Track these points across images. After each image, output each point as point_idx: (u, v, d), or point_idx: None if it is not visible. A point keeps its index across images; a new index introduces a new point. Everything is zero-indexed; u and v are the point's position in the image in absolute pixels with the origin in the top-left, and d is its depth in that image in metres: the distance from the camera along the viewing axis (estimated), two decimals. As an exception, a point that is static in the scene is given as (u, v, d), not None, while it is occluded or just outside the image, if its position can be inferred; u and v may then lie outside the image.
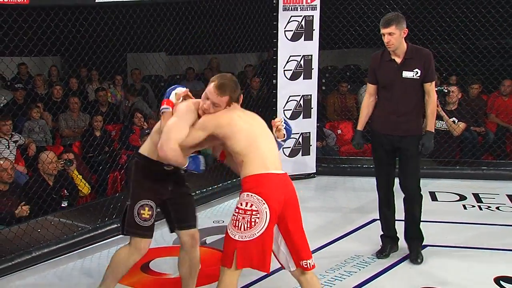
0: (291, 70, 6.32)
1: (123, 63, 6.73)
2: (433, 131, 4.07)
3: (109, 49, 5.43)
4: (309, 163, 6.58)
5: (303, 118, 6.42)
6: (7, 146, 6.14)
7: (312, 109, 6.45)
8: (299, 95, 6.38)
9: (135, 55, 9.22)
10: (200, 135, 2.97)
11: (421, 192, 4.18)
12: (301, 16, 6.22)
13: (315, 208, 5.59)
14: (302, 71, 6.34)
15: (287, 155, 6.47)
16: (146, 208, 3.18)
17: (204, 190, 5.73)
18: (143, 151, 3.25)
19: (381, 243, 4.34)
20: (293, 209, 2.95)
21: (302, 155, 6.53)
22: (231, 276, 2.88)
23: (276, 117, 6.30)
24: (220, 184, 5.92)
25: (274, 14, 6.20)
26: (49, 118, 7.17)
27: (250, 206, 2.81)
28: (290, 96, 6.36)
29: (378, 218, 4.39)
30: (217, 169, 6.30)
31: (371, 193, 4.19)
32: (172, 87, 3.22)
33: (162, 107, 3.12)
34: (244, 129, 2.96)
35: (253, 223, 2.79)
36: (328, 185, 6.33)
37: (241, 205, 2.84)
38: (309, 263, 2.96)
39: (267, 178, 2.86)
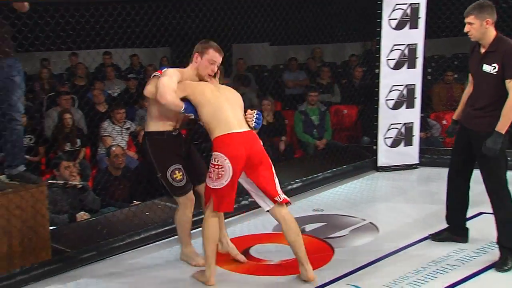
0: (394, 59, 6.13)
1: (228, 53, 6.81)
2: (502, 133, 3.65)
3: (216, 39, 5.51)
4: (411, 153, 6.37)
5: (406, 108, 6.22)
6: (120, 133, 6.44)
7: (415, 99, 6.23)
8: (403, 85, 6.18)
9: (240, 46, 9.35)
10: (179, 94, 3.48)
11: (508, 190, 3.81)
12: (407, 4, 6.00)
13: (416, 200, 5.42)
14: (406, 60, 6.13)
15: (389, 145, 6.31)
16: (176, 172, 3.67)
17: (304, 179, 5.70)
18: (149, 129, 3.69)
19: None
20: (257, 159, 3.46)
21: (404, 146, 6.34)
22: (213, 216, 3.55)
23: (378, 107, 6.17)
24: (320, 174, 5.87)
25: (378, 2, 6.04)
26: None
27: (217, 162, 3.40)
28: (393, 86, 6.18)
29: (485, 211, 4.16)
30: (317, 157, 6.26)
31: (478, 186, 3.97)
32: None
33: (154, 73, 3.64)
34: (211, 101, 3.48)
35: (220, 175, 3.40)
36: (430, 177, 6.10)
37: (213, 161, 3.43)
38: (279, 197, 3.53)
39: (229, 138, 3.41)
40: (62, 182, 4.87)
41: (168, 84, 3.45)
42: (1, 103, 3.74)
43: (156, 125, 3.67)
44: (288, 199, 3.63)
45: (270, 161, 3.57)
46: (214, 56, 3.61)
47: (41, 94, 7.70)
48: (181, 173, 3.66)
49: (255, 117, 3.54)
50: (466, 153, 4.00)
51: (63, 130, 6.19)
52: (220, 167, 3.39)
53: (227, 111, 3.47)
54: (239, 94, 3.68)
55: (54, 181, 4.84)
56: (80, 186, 4.94)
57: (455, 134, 4.15)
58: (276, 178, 3.59)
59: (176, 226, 3.94)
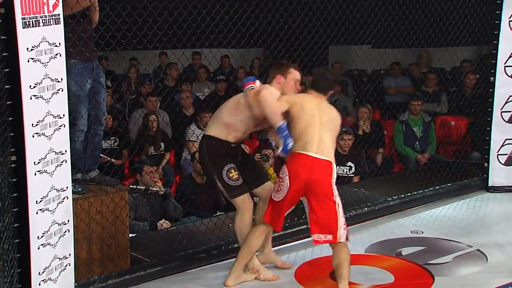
0: (514, 66, 5.88)
1: (322, 56, 6.81)
2: None
3: (311, 41, 5.54)
4: (529, 173, 6.08)
5: (523, 122, 5.95)
6: (205, 138, 6.56)
7: (536, 112, 5.94)
8: (522, 95, 5.92)
9: (338, 48, 9.30)
10: (284, 106, 3.72)
11: None
12: (532, 2, 5.75)
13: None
14: (527, 67, 5.87)
15: (503, 163, 6.05)
16: (232, 171, 3.86)
17: (403, 196, 5.57)
18: (210, 133, 3.90)
19: None
20: (314, 188, 3.62)
21: (520, 164, 6.06)
22: (263, 225, 3.85)
23: (492, 119, 5.94)
24: (421, 191, 5.72)
25: (498, 1, 5.81)
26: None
27: (281, 174, 3.68)
28: (510, 96, 5.92)
29: None
30: (419, 173, 6.09)
31: None
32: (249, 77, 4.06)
33: (248, 86, 3.92)
34: (305, 118, 3.69)
35: (279, 188, 3.67)
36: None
37: (280, 173, 3.72)
38: (320, 237, 3.65)
39: (298, 157, 3.64)
40: (143, 187, 5.03)
41: (275, 94, 3.78)
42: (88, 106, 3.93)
43: (220, 132, 3.89)
44: (347, 238, 3.69)
45: (334, 197, 3.63)
46: (297, 75, 3.92)
47: (127, 95, 8.02)
48: (236, 172, 3.86)
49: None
50: None
51: (147, 133, 6.38)
52: (281, 180, 3.68)
53: (315, 133, 3.67)
54: (338, 119, 3.84)
55: (135, 186, 5.01)
56: (161, 192, 5.09)
57: None
58: (340, 214, 3.65)
59: (237, 234, 4.03)
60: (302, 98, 3.80)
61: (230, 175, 3.86)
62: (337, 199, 3.65)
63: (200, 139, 4.08)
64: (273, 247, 4.32)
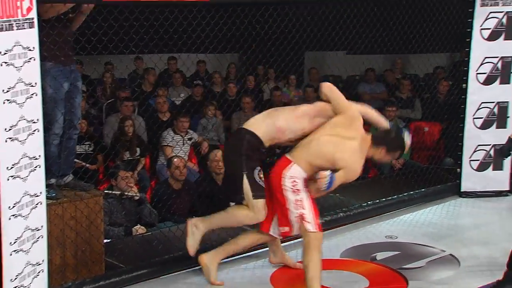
0: (485, 73, 5.94)
1: (298, 62, 6.84)
2: None
3: (287, 47, 5.55)
4: (501, 179, 6.14)
5: (496, 128, 6.01)
6: (181, 143, 6.56)
7: (508, 118, 6.01)
8: (493, 102, 5.98)
9: (313, 54, 9.35)
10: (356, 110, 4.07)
11: None
12: (503, 12, 5.82)
13: (505, 232, 5.18)
14: (498, 74, 5.93)
15: (475, 168, 6.11)
16: (261, 173, 3.90)
17: (377, 201, 5.60)
18: (257, 132, 3.89)
19: None
20: (270, 183, 3.89)
21: (493, 170, 6.11)
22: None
23: (464, 125, 6.01)
24: (395, 196, 5.76)
25: (470, 10, 5.89)
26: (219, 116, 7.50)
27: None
28: (482, 103, 6.00)
29: None
30: (393, 178, 6.14)
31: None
32: None
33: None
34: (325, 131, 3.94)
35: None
36: (523, 206, 5.88)
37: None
38: (281, 229, 3.97)
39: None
40: (119, 193, 4.99)
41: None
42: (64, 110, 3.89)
43: (267, 133, 3.91)
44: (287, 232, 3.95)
45: (284, 191, 3.79)
46: (396, 157, 4.07)
47: (102, 99, 7.96)
48: (262, 175, 3.91)
49: (327, 180, 3.67)
50: None
51: (123, 138, 6.34)
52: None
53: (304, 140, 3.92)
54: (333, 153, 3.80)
55: (110, 192, 4.96)
56: (137, 197, 5.05)
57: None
58: (291, 208, 3.81)
59: (223, 213, 4.07)
60: (356, 125, 3.91)
61: (260, 175, 3.89)
62: (288, 194, 3.77)
63: (236, 131, 4.02)
64: (252, 251, 4.33)
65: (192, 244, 4.02)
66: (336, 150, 3.77)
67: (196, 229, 3.99)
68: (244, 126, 3.98)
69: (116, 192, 4.99)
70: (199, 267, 4.33)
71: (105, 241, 4.16)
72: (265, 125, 3.93)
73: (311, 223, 3.78)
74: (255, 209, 3.87)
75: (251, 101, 7.59)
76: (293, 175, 3.77)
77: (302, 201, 3.79)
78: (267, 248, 4.45)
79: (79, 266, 3.91)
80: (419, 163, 7.23)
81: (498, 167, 6.11)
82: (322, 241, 3.81)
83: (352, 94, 8.59)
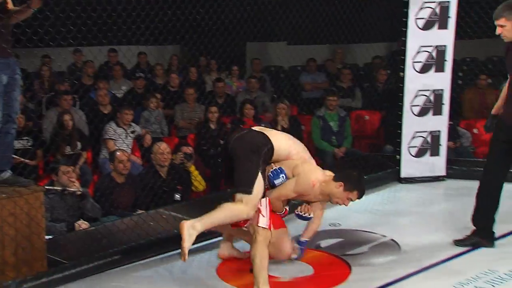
0: (421, 62, 6.09)
1: (240, 53, 6.84)
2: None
3: (229, 37, 5.54)
4: (438, 164, 6.32)
5: (433, 115, 6.18)
6: (124, 136, 6.46)
7: (443, 105, 6.18)
8: (429, 90, 6.14)
9: (255, 44, 9.35)
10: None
11: None
12: (436, 2, 5.97)
13: (442, 215, 5.37)
14: (433, 63, 6.09)
15: (414, 155, 6.26)
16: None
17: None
18: (277, 144, 3.92)
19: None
20: None
21: (430, 156, 6.29)
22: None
23: (402, 113, 6.15)
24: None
25: (405, 0, 6.01)
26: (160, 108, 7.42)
27: None
28: (418, 91, 6.14)
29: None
30: (336, 167, 6.22)
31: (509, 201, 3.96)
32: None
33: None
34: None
35: None
36: (459, 190, 6.04)
37: None
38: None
39: None
40: (60, 188, 4.88)
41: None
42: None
43: (282, 149, 3.97)
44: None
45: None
46: (354, 198, 4.04)
47: (40, 93, 7.75)
48: None
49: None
50: (504, 151, 4.22)
51: (63, 132, 6.20)
52: None
53: None
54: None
55: (51, 187, 4.85)
56: (79, 192, 4.95)
57: (493, 130, 4.36)
58: None
59: (226, 215, 3.83)
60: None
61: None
62: None
63: (259, 132, 3.93)
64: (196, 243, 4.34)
65: (188, 246, 3.62)
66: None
67: (193, 231, 3.66)
68: (268, 134, 3.95)
69: (58, 188, 4.88)
70: (145, 260, 4.31)
71: (47, 237, 4.05)
72: (285, 142, 4.01)
73: (265, 218, 3.83)
74: (250, 205, 3.76)
75: (194, 92, 7.56)
76: None
77: (261, 201, 3.84)
78: (212, 241, 4.47)
79: (19, 264, 3.81)
80: (360, 151, 7.36)
81: (435, 153, 6.29)
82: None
83: (294, 84, 8.69)
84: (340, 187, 3.97)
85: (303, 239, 4.24)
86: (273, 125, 6.89)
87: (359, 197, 4.09)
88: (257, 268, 3.71)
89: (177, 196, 5.53)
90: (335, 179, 3.98)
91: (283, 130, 6.92)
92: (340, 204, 4.08)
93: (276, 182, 3.98)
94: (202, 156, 6.51)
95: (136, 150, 6.59)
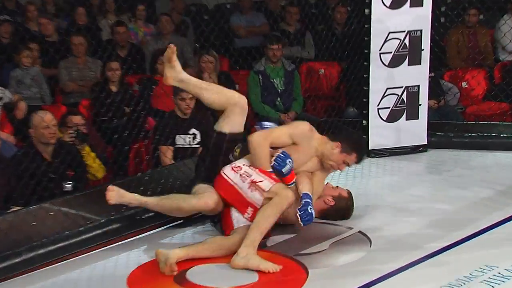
0: (391, -5, 6.19)
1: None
2: None
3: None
4: (417, 130, 6.49)
5: (408, 65, 6.31)
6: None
7: (422, 52, 6.31)
8: (404, 31, 6.25)
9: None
10: None
11: None
12: None
13: (424, 197, 5.51)
14: (408, -5, 6.21)
15: (384, 119, 6.39)
16: None
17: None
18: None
19: None
20: None
21: (406, 120, 6.44)
22: None
23: (369, 64, 6.26)
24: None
25: None
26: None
27: None
28: (389, 33, 6.24)
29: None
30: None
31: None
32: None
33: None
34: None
35: None
36: (445, 163, 6.22)
37: None
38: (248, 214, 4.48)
39: None
40: None
41: None
42: None
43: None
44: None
45: (230, 187, 4.50)
46: (350, 163, 4.68)
47: None
48: None
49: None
50: None
51: None
52: None
53: None
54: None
55: None
56: None
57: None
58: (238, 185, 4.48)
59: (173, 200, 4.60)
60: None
61: None
62: (233, 180, 4.46)
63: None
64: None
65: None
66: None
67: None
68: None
69: None
70: (24, 274, 4.27)
71: None
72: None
73: (264, 180, 4.37)
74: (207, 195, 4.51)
75: (84, 42, 7.43)
76: (230, 165, 4.56)
77: (246, 172, 4.45)
78: (122, 242, 4.58)
79: None
80: (315, 116, 7.44)
81: (413, 115, 6.44)
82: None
83: (223, 29, 8.65)
84: (336, 148, 4.44)
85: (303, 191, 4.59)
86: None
87: (357, 161, 4.62)
88: (253, 226, 4.24)
89: (68, 186, 5.47)
90: (331, 138, 4.46)
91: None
92: (334, 169, 4.65)
93: (285, 170, 4.41)
94: (102, 130, 6.44)
95: (6, 124, 6.45)
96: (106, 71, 6.88)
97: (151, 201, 4.69)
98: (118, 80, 6.86)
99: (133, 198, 4.66)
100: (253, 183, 4.39)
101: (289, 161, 4.43)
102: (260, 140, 4.55)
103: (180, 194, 4.73)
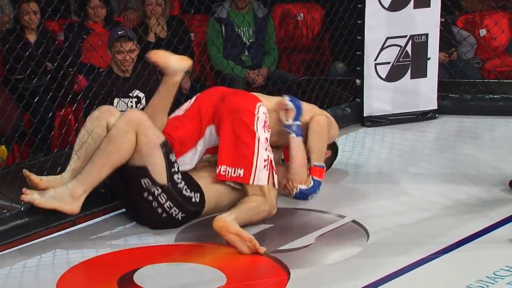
0: None
1: None
2: None
3: None
4: (425, 92, 6.57)
5: (414, 7, 6.34)
6: None
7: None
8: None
9: None
10: None
11: None
12: None
13: (433, 177, 5.56)
14: None
15: (384, 77, 6.43)
16: None
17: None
18: None
19: None
20: None
21: (411, 78, 6.50)
22: None
23: (365, 4, 6.32)
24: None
25: None
26: None
27: None
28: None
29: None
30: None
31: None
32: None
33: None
34: None
35: None
36: (460, 133, 6.28)
37: None
38: (227, 171, 4.90)
39: None
40: None
41: None
42: None
43: None
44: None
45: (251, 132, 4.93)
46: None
47: None
48: None
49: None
50: None
51: None
52: None
53: None
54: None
55: None
56: None
57: None
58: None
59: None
60: None
61: None
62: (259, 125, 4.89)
63: None
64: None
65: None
66: None
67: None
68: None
69: None
70: None
71: None
72: None
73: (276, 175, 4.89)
74: None
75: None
76: (264, 121, 4.94)
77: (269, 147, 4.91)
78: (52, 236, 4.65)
79: None
80: (293, 75, 7.47)
81: (420, 72, 6.50)
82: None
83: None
84: None
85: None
86: (141, 34, 6.85)
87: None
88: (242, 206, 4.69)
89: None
90: None
91: (158, 41, 6.93)
92: None
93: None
94: (16, 91, 6.38)
95: None
96: (21, 14, 6.82)
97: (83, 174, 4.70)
98: (36, 26, 6.81)
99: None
100: (271, 164, 4.86)
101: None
102: (326, 126, 5.24)
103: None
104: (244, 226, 4.52)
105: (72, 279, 4.27)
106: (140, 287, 4.12)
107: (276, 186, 4.88)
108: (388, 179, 5.58)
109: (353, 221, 4.86)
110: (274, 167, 4.89)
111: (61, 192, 4.58)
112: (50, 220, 4.78)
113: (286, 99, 5.16)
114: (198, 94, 5.19)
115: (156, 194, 4.63)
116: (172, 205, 4.67)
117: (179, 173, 4.70)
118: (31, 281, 4.30)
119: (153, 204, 4.65)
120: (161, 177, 4.62)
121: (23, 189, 4.63)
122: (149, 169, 4.58)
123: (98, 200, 4.93)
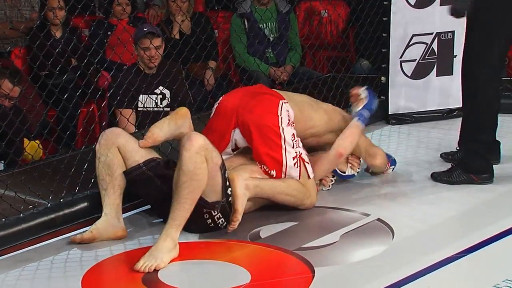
0: None
1: None
2: None
3: None
4: (451, 89, 6.55)
5: (441, 4, 6.35)
6: None
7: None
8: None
9: None
10: None
11: None
12: None
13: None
14: None
15: (409, 75, 6.43)
16: None
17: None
18: None
19: None
20: None
21: (437, 76, 6.51)
22: None
23: (389, 2, 6.35)
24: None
25: None
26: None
27: None
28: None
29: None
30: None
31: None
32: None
33: None
34: None
35: None
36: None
37: None
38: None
39: None
40: None
41: None
42: None
43: None
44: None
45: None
46: None
47: None
48: None
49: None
50: None
51: None
52: None
53: None
54: None
55: None
56: None
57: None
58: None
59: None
60: None
61: None
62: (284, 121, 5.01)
63: None
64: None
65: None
66: None
67: None
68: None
69: None
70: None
71: None
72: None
73: (309, 166, 5.06)
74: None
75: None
76: (288, 118, 5.05)
77: (298, 140, 5.04)
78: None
79: None
80: (318, 72, 7.47)
81: (447, 70, 6.51)
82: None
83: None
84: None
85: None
86: (165, 31, 6.88)
87: None
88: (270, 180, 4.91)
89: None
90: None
91: (182, 38, 6.95)
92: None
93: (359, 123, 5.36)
94: (42, 87, 6.42)
95: None
96: (46, 10, 6.85)
97: None
98: (61, 23, 6.84)
99: None
100: (300, 158, 4.99)
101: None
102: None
103: None
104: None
105: (98, 275, 4.33)
106: (165, 284, 4.15)
107: (311, 177, 5.04)
108: (414, 177, 5.60)
109: (378, 219, 4.89)
110: (306, 158, 5.04)
111: (162, 246, 4.34)
112: (77, 216, 4.85)
113: (362, 89, 5.39)
114: (220, 99, 5.22)
115: (213, 213, 4.65)
116: (221, 216, 4.68)
117: (230, 187, 4.69)
118: (59, 277, 4.32)
119: (205, 216, 4.66)
120: (217, 194, 4.61)
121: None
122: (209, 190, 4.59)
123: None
